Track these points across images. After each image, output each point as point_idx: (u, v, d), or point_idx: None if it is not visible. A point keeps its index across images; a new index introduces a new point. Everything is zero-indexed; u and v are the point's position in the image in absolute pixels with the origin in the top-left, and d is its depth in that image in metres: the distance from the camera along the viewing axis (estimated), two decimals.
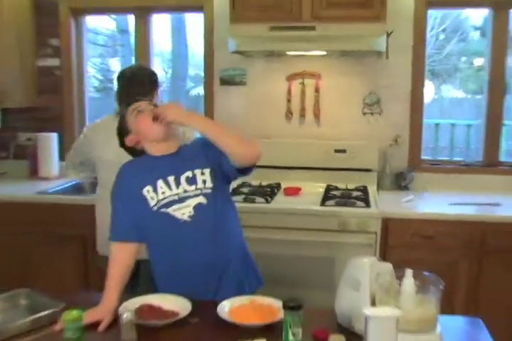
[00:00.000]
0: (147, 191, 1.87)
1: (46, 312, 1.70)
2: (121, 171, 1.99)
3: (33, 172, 3.83)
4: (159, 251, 1.96)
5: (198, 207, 1.87)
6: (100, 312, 1.70)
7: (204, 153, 1.91)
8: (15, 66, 3.62)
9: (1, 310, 1.81)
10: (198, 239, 1.89)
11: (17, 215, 3.26)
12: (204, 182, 1.88)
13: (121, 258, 1.89)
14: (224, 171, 1.90)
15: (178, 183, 1.87)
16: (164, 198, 1.86)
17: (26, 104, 3.79)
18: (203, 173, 1.89)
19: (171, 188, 1.86)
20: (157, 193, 1.86)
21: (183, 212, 1.86)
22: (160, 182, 1.87)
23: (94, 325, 1.66)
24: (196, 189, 1.87)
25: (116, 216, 1.94)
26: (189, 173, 1.88)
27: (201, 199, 1.87)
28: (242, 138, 1.84)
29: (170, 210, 1.86)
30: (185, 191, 1.87)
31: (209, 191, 1.88)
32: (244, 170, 1.89)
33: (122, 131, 1.97)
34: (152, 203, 1.86)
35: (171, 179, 1.87)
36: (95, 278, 3.14)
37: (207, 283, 1.93)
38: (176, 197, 1.86)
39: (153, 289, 1.98)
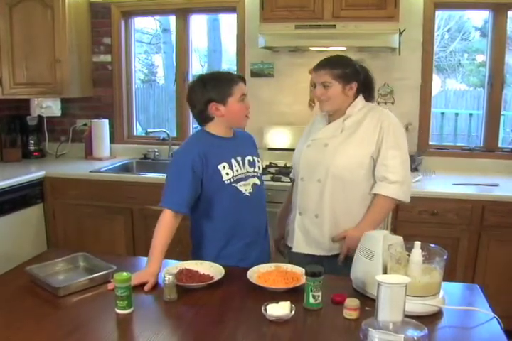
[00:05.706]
0: (223, 167, 1.89)
1: (101, 273, 1.73)
2: (192, 145, 1.94)
3: (88, 153, 3.87)
4: (220, 217, 1.94)
5: (254, 186, 1.98)
6: (146, 275, 1.71)
7: (255, 148, 2.11)
8: (74, 62, 3.63)
9: (63, 270, 1.85)
10: (252, 209, 1.98)
11: (74, 190, 3.31)
12: (259, 168, 2.04)
13: (171, 227, 1.83)
14: None
15: (243, 164, 1.96)
16: (237, 175, 1.93)
17: (83, 94, 3.81)
18: (258, 161, 2.04)
19: (240, 167, 1.95)
20: (232, 170, 1.91)
21: (246, 188, 1.95)
22: (233, 161, 1.93)
23: (140, 286, 1.67)
24: (254, 171, 1.99)
25: (178, 186, 1.85)
26: (250, 158, 2.00)
27: (256, 180, 2.00)
28: None
29: (238, 185, 1.93)
30: (247, 171, 1.97)
31: (259, 175, 2.04)
32: None
33: (217, 98, 1.87)
34: (226, 178, 1.90)
35: (239, 159, 1.95)
36: (140, 245, 3.19)
37: (256, 242, 2.02)
38: (243, 176, 1.95)
39: None
